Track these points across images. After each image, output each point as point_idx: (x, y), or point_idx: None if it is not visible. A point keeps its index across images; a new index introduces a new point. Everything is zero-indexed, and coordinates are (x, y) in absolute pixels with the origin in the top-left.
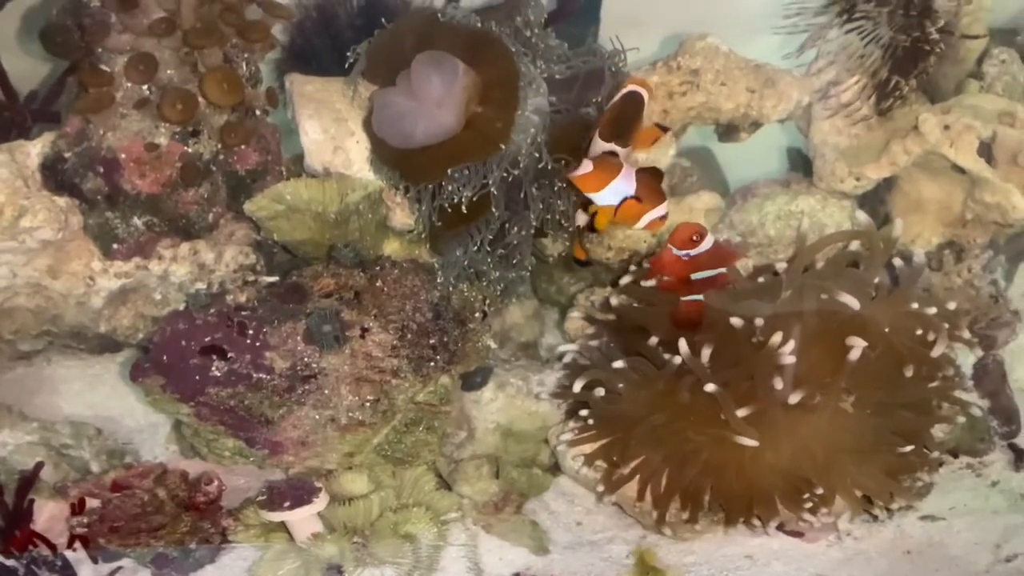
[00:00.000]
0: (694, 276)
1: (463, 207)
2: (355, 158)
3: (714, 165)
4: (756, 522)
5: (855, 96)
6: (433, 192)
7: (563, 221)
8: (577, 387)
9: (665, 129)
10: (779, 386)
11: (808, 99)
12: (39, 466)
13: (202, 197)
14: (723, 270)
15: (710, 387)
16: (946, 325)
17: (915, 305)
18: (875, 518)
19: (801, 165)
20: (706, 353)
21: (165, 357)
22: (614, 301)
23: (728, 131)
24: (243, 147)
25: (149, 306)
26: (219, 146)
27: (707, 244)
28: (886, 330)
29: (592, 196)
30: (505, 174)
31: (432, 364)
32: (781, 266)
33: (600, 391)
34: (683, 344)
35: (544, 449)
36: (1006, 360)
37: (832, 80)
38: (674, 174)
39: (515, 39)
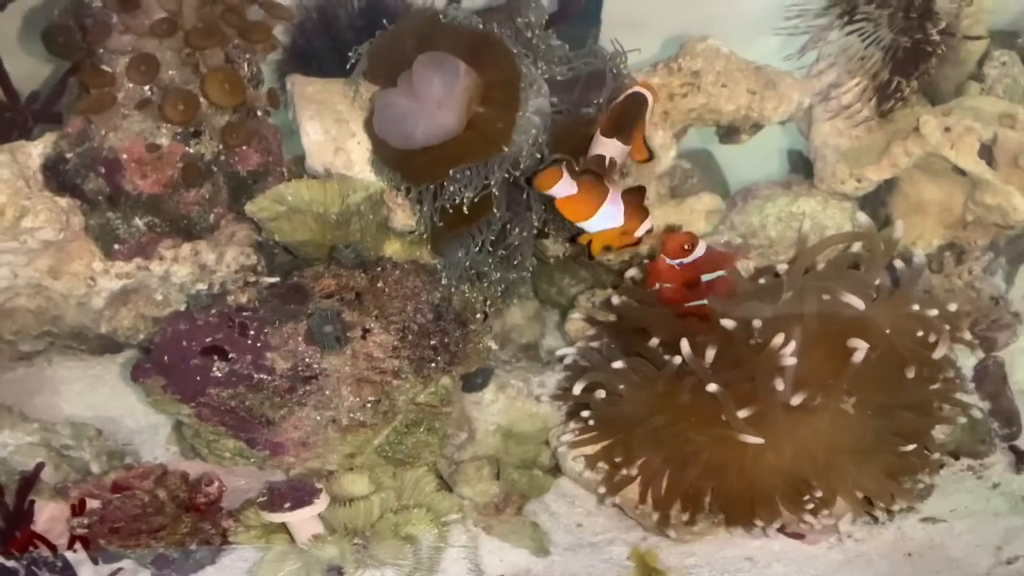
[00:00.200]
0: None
1: (464, 208)
2: (356, 159)
3: (715, 167)
4: (759, 522)
5: (856, 98)
6: (434, 193)
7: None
8: (577, 389)
9: (651, 155)
10: (780, 387)
11: (809, 101)
12: (39, 467)
13: (203, 198)
14: (723, 273)
15: (712, 387)
16: (947, 327)
17: (916, 307)
18: (876, 520)
19: (802, 167)
20: (710, 354)
21: (166, 358)
22: (615, 301)
23: (729, 133)
24: (244, 148)
25: (150, 307)
26: (220, 147)
27: (699, 251)
28: (887, 331)
29: (582, 225)
30: (506, 175)
31: (433, 365)
32: (782, 268)
33: (601, 393)
34: (685, 345)
35: (545, 451)
36: (1007, 362)
37: (833, 82)
38: (675, 176)
39: (516, 40)
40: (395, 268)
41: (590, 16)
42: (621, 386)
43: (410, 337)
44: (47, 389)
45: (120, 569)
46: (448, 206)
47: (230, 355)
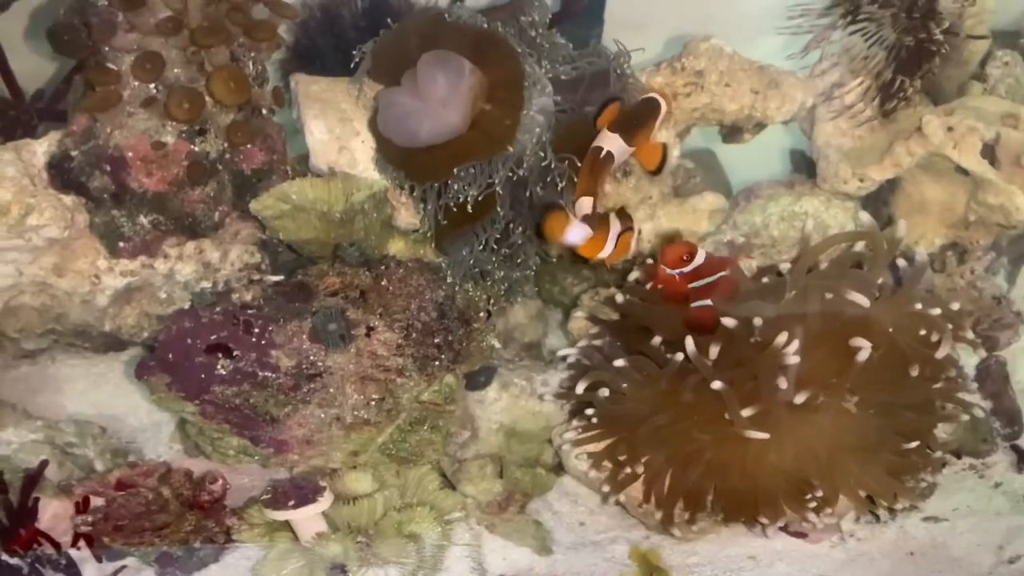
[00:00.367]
0: (694, 285)
1: (468, 207)
2: (360, 157)
3: (718, 166)
4: (764, 520)
5: (859, 98)
6: (438, 191)
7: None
8: (580, 388)
9: (664, 159)
10: (783, 386)
11: (812, 101)
12: (43, 464)
13: (208, 196)
14: (726, 273)
15: (716, 385)
16: (950, 326)
17: (919, 306)
18: (878, 519)
19: (804, 166)
20: (714, 351)
21: (170, 355)
22: (619, 299)
23: (732, 132)
24: (249, 146)
25: (154, 305)
26: (225, 145)
27: (699, 260)
28: (890, 330)
29: (599, 256)
30: (510, 174)
31: (437, 363)
32: (785, 267)
33: (604, 391)
34: (690, 343)
35: (548, 449)
36: (1009, 361)
37: (836, 82)
38: (677, 175)
39: (520, 39)
40: (399, 266)
41: (593, 15)
42: (624, 384)
43: (414, 335)
44: (51, 387)
45: (124, 567)
46: (452, 205)
47: (234, 353)
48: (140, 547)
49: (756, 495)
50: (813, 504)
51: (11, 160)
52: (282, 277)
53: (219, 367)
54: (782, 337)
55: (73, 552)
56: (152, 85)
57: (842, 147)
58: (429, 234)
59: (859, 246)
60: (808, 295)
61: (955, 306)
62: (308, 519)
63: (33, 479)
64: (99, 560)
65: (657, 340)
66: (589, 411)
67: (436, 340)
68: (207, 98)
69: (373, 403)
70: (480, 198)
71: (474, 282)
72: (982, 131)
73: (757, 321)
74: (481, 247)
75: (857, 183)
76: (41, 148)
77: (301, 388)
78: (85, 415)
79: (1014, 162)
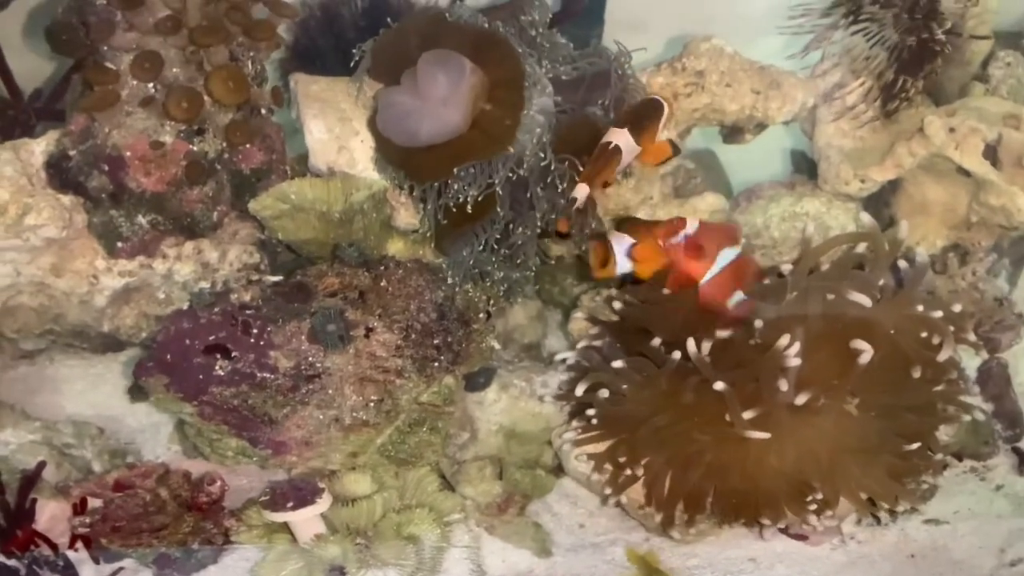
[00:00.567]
0: (711, 275)
1: (468, 207)
2: (359, 157)
3: (718, 167)
4: (766, 521)
5: (860, 98)
6: (438, 191)
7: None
8: (580, 390)
9: (677, 150)
10: (784, 388)
11: (813, 101)
12: (41, 465)
13: (207, 196)
14: (739, 249)
15: (719, 385)
16: (951, 328)
17: (920, 307)
18: (879, 521)
19: (806, 167)
20: (706, 346)
21: (169, 356)
22: (617, 305)
23: (733, 133)
24: (248, 146)
25: (153, 305)
26: (224, 145)
27: (692, 226)
28: (891, 332)
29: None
30: (510, 174)
31: (436, 364)
32: (786, 268)
33: (604, 392)
34: (691, 344)
35: (547, 451)
36: (1010, 364)
37: (837, 82)
38: (678, 175)
39: (520, 39)
40: (398, 267)
41: (593, 16)
42: (624, 386)
43: (413, 336)
44: (49, 387)
45: (122, 568)
46: (452, 205)
47: (233, 354)
48: (138, 548)
49: (757, 497)
50: (814, 506)
51: (9, 160)
52: (281, 277)
53: (217, 368)
54: (783, 339)
55: (71, 553)
56: (150, 84)
57: (843, 148)
58: (429, 234)
59: (860, 247)
60: (809, 297)
61: (957, 308)
62: (307, 521)
63: (31, 480)
64: (97, 562)
65: (657, 341)
66: (589, 411)
67: (435, 341)
68: (206, 98)
69: (372, 404)
70: (480, 198)
71: (474, 283)
72: (984, 132)
73: (758, 323)
74: (481, 247)
75: (858, 184)
76: (39, 148)
77: (300, 389)
78: (83, 416)
79: (1016, 163)
